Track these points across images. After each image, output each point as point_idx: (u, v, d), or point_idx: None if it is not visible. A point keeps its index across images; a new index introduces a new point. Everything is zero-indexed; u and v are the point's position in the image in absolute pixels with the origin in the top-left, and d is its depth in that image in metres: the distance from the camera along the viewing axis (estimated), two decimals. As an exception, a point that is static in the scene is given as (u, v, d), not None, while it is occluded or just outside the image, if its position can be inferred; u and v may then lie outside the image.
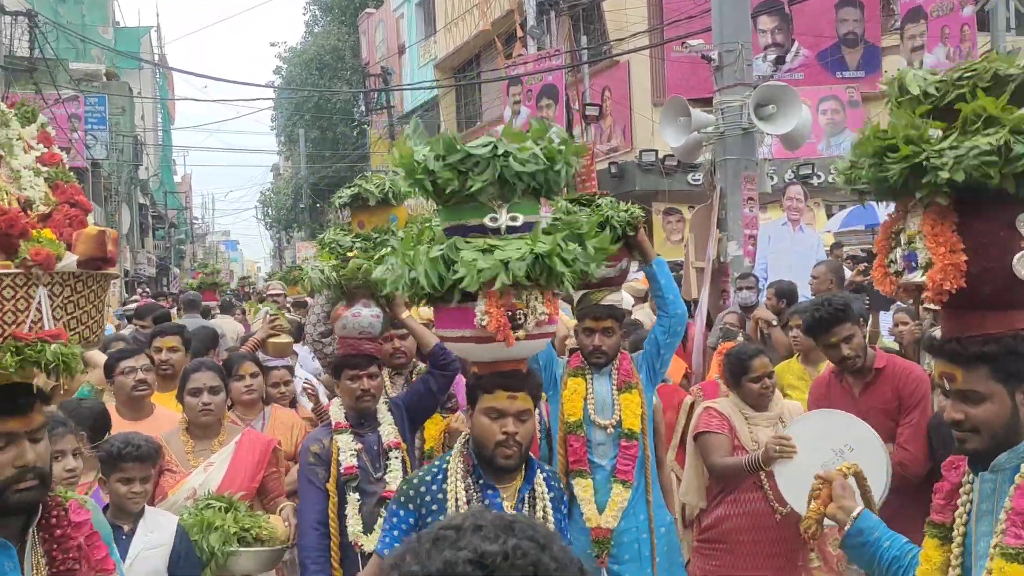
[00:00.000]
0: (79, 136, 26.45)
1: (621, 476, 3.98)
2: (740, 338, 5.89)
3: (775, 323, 6.64)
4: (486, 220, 2.84)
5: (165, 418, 4.31)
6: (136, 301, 15.33)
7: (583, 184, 16.01)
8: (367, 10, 34.98)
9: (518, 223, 2.86)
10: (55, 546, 2.06)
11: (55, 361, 1.88)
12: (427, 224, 3.12)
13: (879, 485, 3.33)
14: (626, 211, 4.03)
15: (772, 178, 12.33)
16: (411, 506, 2.87)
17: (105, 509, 3.06)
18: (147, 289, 21.29)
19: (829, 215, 14.42)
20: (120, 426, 4.22)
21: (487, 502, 2.84)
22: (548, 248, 2.78)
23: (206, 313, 9.90)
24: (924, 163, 1.97)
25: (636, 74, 17.77)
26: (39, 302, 1.92)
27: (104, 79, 33.05)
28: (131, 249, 39.05)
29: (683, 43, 8.82)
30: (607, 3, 17.49)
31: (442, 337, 3.17)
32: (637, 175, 16.74)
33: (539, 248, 2.76)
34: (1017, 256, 2.01)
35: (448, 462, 2.93)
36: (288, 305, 9.47)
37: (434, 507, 2.85)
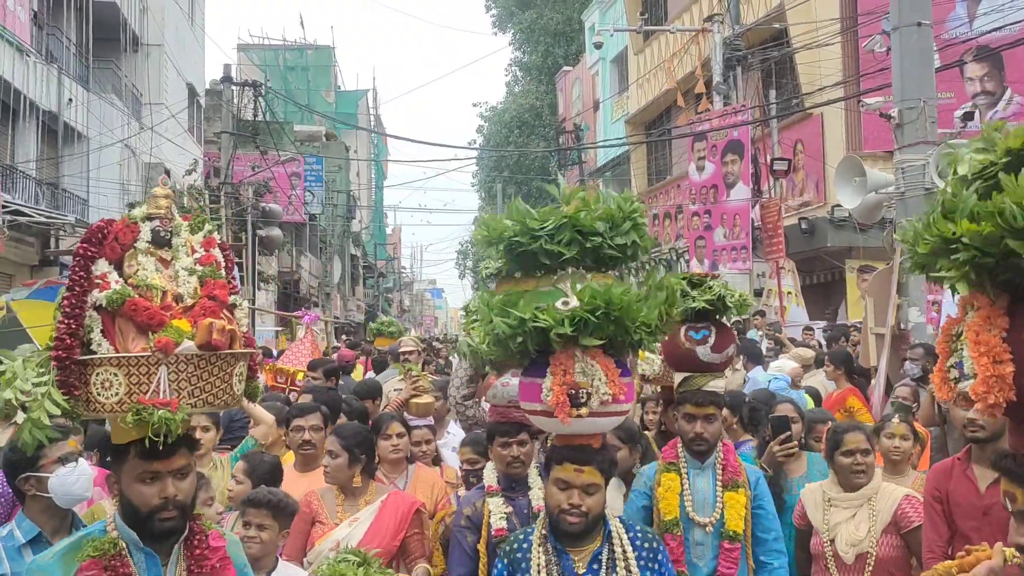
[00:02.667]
0: (298, 193, 28.79)
1: None
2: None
3: (954, 397, 6.23)
4: (558, 304, 2.92)
5: None
6: (337, 349, 16.39)
7: (770, 241, 15.60)
8: (564, 68, 35.96)
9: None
10: (193, 563, 2.47)
11: (158, 423, 2.30)
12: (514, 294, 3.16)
13: None
14: (740, 295, 3.99)
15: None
16: (506, 560, 3.17)
17: None
18: (350, 338, 22.66)
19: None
20: (291, 476, 4.63)
21: (561, 565, 3.04)
22: (607, 294, 2.84)
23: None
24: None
25: (830, 127, 17.19)
26: (160, 378, 2.37)
27: (324, 139, 35.81)
28: (342, 297, 41.65)
29: (859, 101, 8.51)
30: (800, 56, 17.11)
31: (524, 409, 3.26)
32: (829, 231, 16.15)
33: (590, 292, 2.84)
34: None
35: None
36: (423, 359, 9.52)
37: (522, 565, 3.10)
